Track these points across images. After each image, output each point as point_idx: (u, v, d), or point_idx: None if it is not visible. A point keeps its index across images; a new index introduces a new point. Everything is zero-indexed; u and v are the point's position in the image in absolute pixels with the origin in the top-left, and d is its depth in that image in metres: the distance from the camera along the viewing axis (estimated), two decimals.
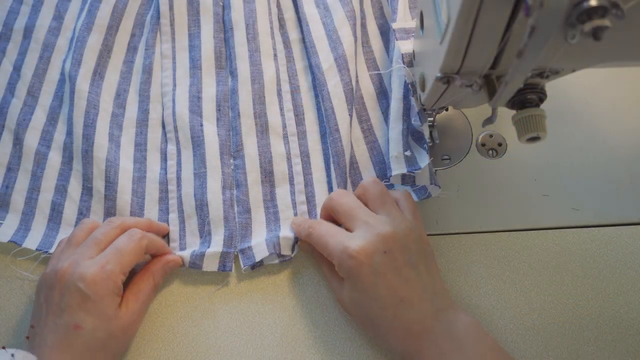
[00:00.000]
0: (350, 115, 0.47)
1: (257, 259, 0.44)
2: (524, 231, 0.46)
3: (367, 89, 0.50)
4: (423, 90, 0.39)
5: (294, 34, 0.53)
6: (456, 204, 0.47)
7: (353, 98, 0.48)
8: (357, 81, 0.50)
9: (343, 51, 0.48)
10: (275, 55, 0.51)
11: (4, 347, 0.35)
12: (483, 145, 0.49)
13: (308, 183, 0.47)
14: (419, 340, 0.36)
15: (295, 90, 0.51)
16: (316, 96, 0.50)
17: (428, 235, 0.46)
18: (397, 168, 0.43)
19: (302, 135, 0.49)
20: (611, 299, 0.43)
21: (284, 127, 0.49)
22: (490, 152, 0.49)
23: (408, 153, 0.43)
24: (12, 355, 0.34)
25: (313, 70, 0.50)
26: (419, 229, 0.40)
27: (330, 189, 0.47)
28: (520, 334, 0.42)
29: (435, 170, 0.47)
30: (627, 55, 0.31)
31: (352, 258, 0.37)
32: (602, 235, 0.46)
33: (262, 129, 0.48)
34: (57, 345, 0.36)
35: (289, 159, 0.48)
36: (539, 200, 0.47)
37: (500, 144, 0.49)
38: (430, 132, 0.45)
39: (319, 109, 0.50)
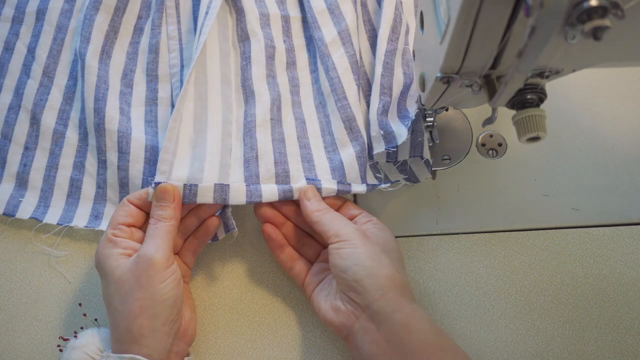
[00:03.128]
0: (358, 86, 0.48)
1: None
2: (524, 231, 0.46)
3: (371, 65, 0.51)
4: (423, 90, 0.39)
5: (293, 12, 0.54)
6: (456, 204, 0.47)
7: (358, 69, 0.48)
8: (360, 57, 0.50)
9: (346, 25, 0.49)
10: (268, 24, 0.51)
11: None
12: (483, 145, 0.49)
13: (305, 145, 0.47)
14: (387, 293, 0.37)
15: (292, 64, 0.51)
16: (312, 72, 0.51)
17: (428, 235, 0.46)
18: (377, 147, 0.44)
19: (297, 104, 0.49)
20: (611, 299, 0.43)
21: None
22: (490, 152, 0.49)
23: (382, 132, 0.44)
24: None
25: (316, 44, 0.50)
26: None
27: (328, 153, 0.46)
28: (520, 334, 0.42)
29: (435, 170, 0.47)
30: (627, 55, 0.31)
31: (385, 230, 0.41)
32: (602, 235, 0.46)
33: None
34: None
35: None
36: (539, 200, 0.47)
37: (500, 144, 0.49)
38: (430, 132, 0.45)
39: (314, 83, 0.50)
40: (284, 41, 0.52)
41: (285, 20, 0.53)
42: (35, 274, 0.46)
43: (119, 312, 0.37)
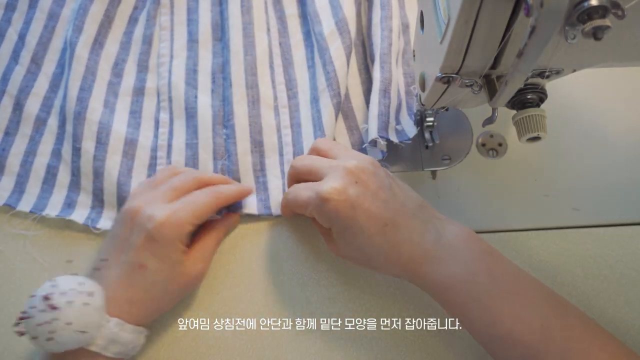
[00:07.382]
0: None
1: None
2: (524, 231, 0.46)
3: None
4: (423, 90, 0.39)
5: (290, 9, 0.54)
6: (456, 204, 0.47)
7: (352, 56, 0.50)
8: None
9: (343, 14, 0.49)
10: (268, 29, 0.51)
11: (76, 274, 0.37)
12: (483, 145, 0.49)
13: (298, 153, 0.48)
14: (412, 259, 0.37)
15: (288, 65, 0.51)
16: (309, 67, 0.51)
17: None
18: (392, 137, 0.45)
19: (295, 107, 0.49)
20: (611, 299, 0.43)
21: (275, 98, 0.50)
22: (490, 152, 0.49)
23: (397, 127, 0.46)
24: (80, 283, 0.35)
25: (316, 38, 0.50)
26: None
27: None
28: None
29: (435, 170, 0.47)
30: (627, 55, 0.31)
31: (326, 201, 0.36)
32: (602, 235, 0.46)
33: (254, 99, 0.48)
34: (121, 281, 0.37)
35: (278, 130, 0.49)
36: (539, 200, 0.47)
37: (500, 144, 0.49)
38: (430, 132, 0.45)
39: (310, 78, 0.50)
40: (280, 43, 0.52)
41: (281, 20, 0.53)
42: (34, 277, 0.45)
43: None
